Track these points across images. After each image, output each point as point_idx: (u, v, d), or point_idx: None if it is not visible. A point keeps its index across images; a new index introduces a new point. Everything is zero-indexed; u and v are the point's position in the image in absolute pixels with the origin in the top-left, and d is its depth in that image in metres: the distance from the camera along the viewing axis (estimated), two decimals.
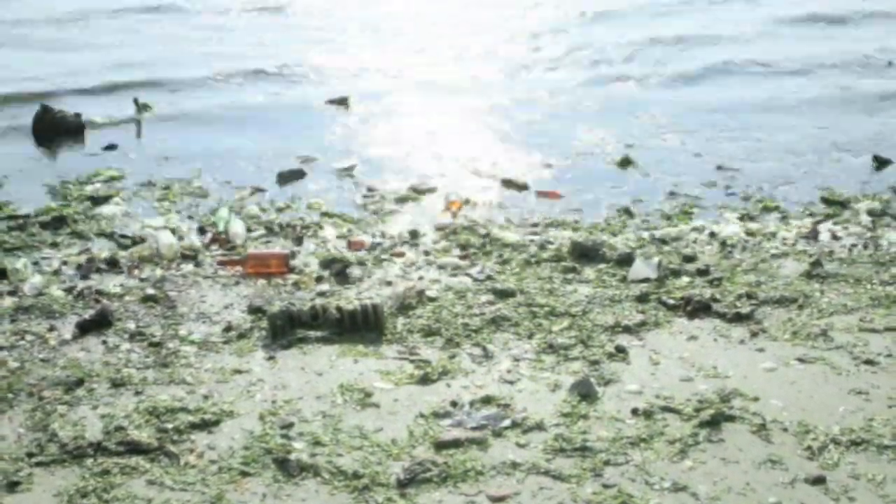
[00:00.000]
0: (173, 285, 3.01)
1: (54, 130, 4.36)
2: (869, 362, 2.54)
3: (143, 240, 3.33)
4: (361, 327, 2.66)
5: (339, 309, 2.68)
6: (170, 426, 2.19)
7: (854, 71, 5.75)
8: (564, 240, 3.36)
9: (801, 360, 2.55)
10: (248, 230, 3.43)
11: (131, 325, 2.72)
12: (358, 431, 2.19)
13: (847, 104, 5.18)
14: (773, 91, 5.41)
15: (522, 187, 3.88)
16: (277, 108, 5.02)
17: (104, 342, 2.63)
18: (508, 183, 3.94)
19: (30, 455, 2.09)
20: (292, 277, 3.08)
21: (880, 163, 4.22)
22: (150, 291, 2.93)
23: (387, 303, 2.81)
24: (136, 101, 4.84)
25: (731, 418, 2.24)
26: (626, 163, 4.21)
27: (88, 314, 2.74)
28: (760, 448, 2.14)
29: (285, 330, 2.64)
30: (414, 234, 3.44)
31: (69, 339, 2.64)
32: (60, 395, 2.33)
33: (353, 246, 3.34)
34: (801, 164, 4.22)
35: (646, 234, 3.44)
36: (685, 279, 3.08)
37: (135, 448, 2.10)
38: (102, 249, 3.26)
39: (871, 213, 3.63)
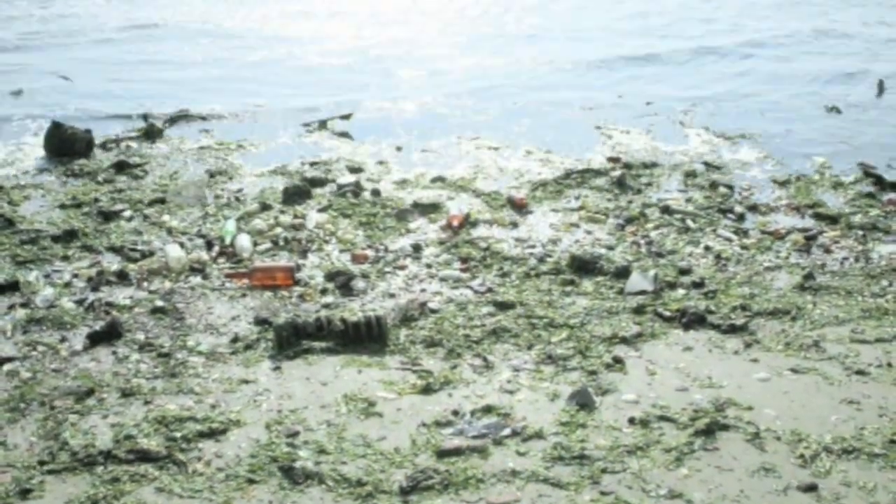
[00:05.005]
0: (181, 297, 3.07)
1: (65, 147, 4.44)
2: (860, 373, 2.59)
3: (152, 253, 3.40)
4: (365, 338, 2.72)
5: (343, 320, 2.73)
6: (178, 435, 2.25)
7: None
8: (563, 253, 3.44)
9: (793, 371, 2.60)
10: (255, 244, 3.50)
11: (140, 337, 2.78)
12: (362, 440, 2.25)
13: None
14: None
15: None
16: (277, 122, 5.11)
17: (114, 353, 2.68)
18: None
19: (41, 463, 2.14)
20: (298, 290, 3.13)
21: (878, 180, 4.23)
22: (159, 303, 2.99)
23: (390, 314, 2.87)
24: (145, 117, 4.92)
25: (725, 427, 2.29)
26: None
27: (99, 325, 2.80)
28: (754, 456, 2.19)
29: (291, 341, 2.69)
30: (416, 248, 3.50)
31: (80, 350, 2.70)
32: (71, 404, 2.39)
33: (356, 259, 3.41)
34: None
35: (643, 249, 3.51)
36: (681, 291, 3.14)
37: (144, 456, 2.16)
38: (112, 262, 3.32)
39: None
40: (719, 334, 2.82)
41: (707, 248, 3.54)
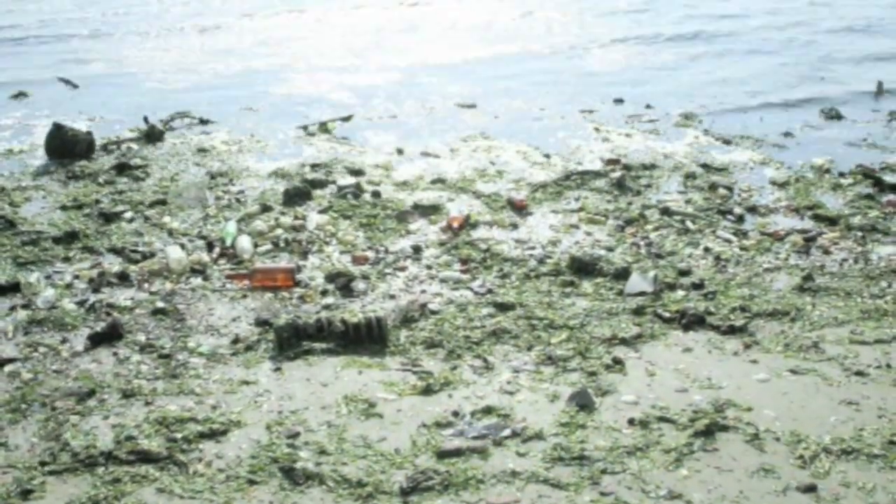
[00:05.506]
0: (182, 299, 3.08)
1: (66, 148, 4.45)
2: (859, 373, 2.60)
3: (152, 254, 3.41)
4: (366, 339, 2.73)
5: (343, 322, 2.75)
6: (179, 436, 2.26)
7: None
8: (563, 254, 3.44)
9: (793, 372, 2.61)
10: (255, 245, 3.50)
11: (141, 338, 2.79)
12: (362, 441, 2.26)
13: None
14: None
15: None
16: (278, 124, 5.11)
17: (115, 354, 2.69)
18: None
19: (43, 464, 2.16)
20: (298, 291, 3.14)
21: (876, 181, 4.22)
22: (160, 304, 3.01)
23: (390, 316, 2.88)
24: (146, 119, 4.94)
25: (724, 428, 2.30)
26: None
27: (100, 327, 2.81)
28: (754, 457, 2.19)
29: (291, 342, 2.71)
30: (416, 249, 3.51)
31: (81, 351, 2.71)
32: (73, 405, 2.40)
33: (357, 260, 3.42)
34: None
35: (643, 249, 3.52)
36: (680, 293, 3.14)
37: (145, 457, 2.17)
38: (113, 264, 3.33)
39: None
40: (719, 335, 2.83)
41: (707, 250, 3.54)
